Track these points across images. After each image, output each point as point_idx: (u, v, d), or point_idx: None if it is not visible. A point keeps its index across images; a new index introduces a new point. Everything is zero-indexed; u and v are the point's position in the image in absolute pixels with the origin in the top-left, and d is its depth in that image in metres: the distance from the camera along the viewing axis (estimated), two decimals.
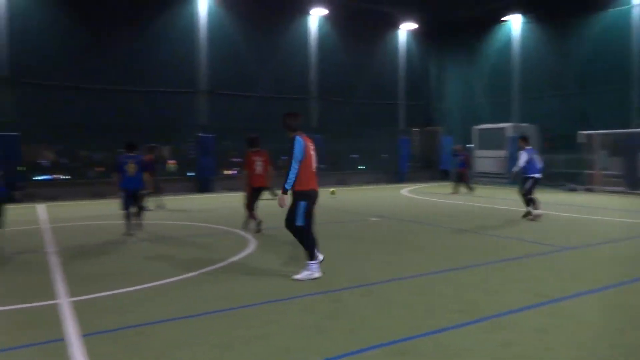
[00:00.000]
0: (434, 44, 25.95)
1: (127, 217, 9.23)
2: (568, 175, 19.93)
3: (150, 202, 13.37)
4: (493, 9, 22.68)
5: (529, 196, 10.86)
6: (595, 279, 6.02)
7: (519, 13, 22.44)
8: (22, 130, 16.17)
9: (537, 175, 10.86)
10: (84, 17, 17.37)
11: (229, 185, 19.95)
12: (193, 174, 19.89)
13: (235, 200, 15.62)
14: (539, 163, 10.96)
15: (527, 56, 22.29)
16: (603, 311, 4.79)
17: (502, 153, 21.90)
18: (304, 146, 5.95)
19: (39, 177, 17.91)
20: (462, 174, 17.70)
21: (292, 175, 5.89)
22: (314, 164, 6.08)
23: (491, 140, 22.46)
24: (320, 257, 6.11)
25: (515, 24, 22.74)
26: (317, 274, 5.95)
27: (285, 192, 5.96)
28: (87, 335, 4.18)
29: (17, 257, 7.56)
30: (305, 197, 6.00)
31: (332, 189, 17.15)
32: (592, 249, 7.82)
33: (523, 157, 10.81)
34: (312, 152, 6.09)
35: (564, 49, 20.67)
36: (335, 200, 16.05)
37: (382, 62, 24.46)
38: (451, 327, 4.35)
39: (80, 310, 4.88)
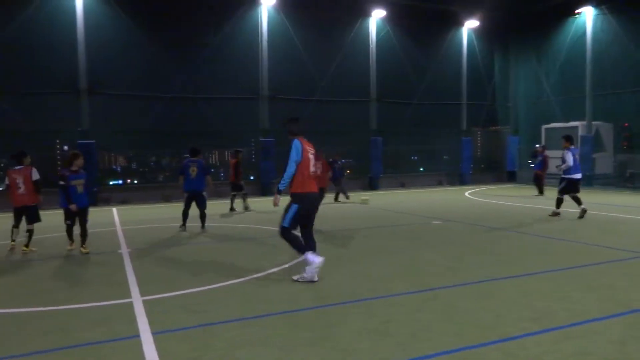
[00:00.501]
0: (499, 42, 25.04)
1: (186, 215, 10.37)
2: None
3: (237, 204, 13.96)
4: (563, 2, 21.58)
5: (560, 197, 11.31)
6: None
7: (591, 5, 21.19)
8: (96, 138, 17.23)
9: (576, 176, 11.12)
10: (154, 28, 18.24)
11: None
12: (252, 177, 20.37)
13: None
14: (579, 163, 11.27)
15: (600, 50, 20.98)
16: None
17: None
18: (301, 149, 6.02)
19: (113, 182, 19.04)
20: (539, 176, 17.08)
21: (286, 177, 5.99)
22: (311, 167, 6.10)
23: (561, 140, 21.33)
24: (317, 260, 5.99)
25: (587, 16, 21.49)
26: (315, 278, 5.97)
27: (278, 192, 6.08)
28: (157, 333, 4.37)
29: (94, 257, 8.05)
30: (298, 201, 6.03)
31: (363, 197, 16.75)
32: None
33: (569, 157, 10.99)
34: (310, 156, 6.14)
35: None
36: (397, 203, 15.86)
37: (443, 61, 23.91)
38: (520, 335, 4.16)
39: (151, 308, 5.11)
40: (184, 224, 10.37)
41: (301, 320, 4.67)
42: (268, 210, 14.15)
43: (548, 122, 22.34)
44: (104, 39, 17.65)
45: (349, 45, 21.77)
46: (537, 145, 18.39)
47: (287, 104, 20.57)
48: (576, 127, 20.83)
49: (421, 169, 24.45)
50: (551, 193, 17.23)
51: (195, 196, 10.36)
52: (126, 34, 17.82)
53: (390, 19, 22.32)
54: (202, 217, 10.43)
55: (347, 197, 16.51)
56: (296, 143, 6.04)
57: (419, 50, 23.20)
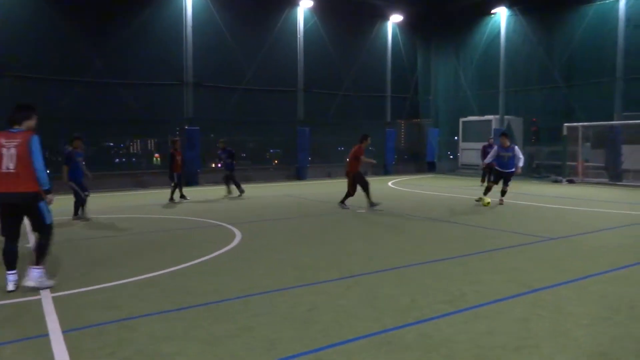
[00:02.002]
0: (422, 36, 25.97)
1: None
2: (552, 167, 20.19)
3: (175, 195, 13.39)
4: (481, 2, 22.75)
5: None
6: (577, 268, 6.11)
7: (505, 6, 22.54)
8: (2, 124, 15.86)
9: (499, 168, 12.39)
10: (71, 8, 17.03)
11: (215, 179, 19.88)
12: None
13: (219, 193, 15.56)
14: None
15: (513, 49, 22.43)
16: (585, 300, 4.87)
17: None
18: None
19: None
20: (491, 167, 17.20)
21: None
22: (3, 164, 5.19)
23: (477, 133, 22.64)
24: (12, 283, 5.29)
25: (502, 17, 22.84)
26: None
27: None
28: (68, 331, 4.14)
29: None
30: None
31: (484, 200, 12.17)
32: (575, 239, 7.93)
33: (519, 152, 12.19)
34: (4, 151, 5.22)
35: (550, 42, 20.84)
36: (322, 192, 16.07)
37: (369, 54, 24.42)
38: (435, 317, 4.39)
39: (62, 306, 4.83)
40: (76, 214, 10.38)
41: (224, 312, 4.63)
42: (200, 200, 13.82)
43: (465, 116, 23.59)
44: (16, 20, 16.25)
45: (276, 35, 21.61)
46: (489, 137, 18.14)
47: (212, 92, 20.10)
48: (490, 121, 22.16)
49: (347, 159, 24.87)
50: (469, 183, 18.21)
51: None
52: (39, 15, 16.51)
53: (317, 10, 22.41)
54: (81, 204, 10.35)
55: (241, 192, 14.68)
56: None
57: (345, 42, 23.52)
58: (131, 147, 21.12)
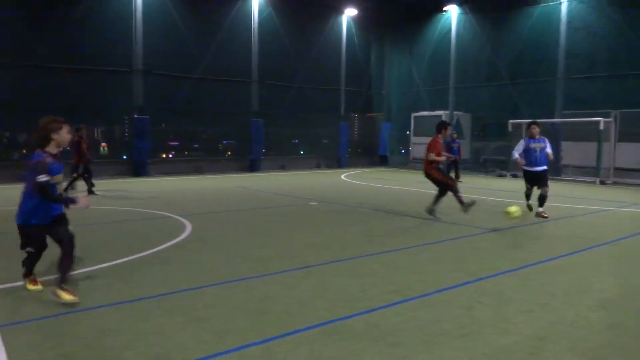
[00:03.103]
0: (376, 31, 26.26)
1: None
2: (498, 161, 21.01)
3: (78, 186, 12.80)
4: None
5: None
6: (517, 258, 6.41)
7: (456, 4, 23.12)
8: None
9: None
10: None
11: (165, 169, 19.41)
12: (125, 157, 19.22)
13: (170, 184, 15.23)
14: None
15: (463, 47, 23.07)
16: (525, 288, 5.13)
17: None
18: None
19: None
20: (456, 162, 16.89)
21: None
22: None
23: (428, 127, 23.19)
24: None
25: (453, 14, 23.43)
26: None
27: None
28: (4, 326, 3.97)
29: None
30: None
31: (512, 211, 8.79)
32: (517, 231, 8.31)
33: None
34: None
35: (497, 41, 21.57)
36: (276, 185, 16.04)
37: (324, 47, 24.45)
38: (384, 306, 4.50)
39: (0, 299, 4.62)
40: None
41: (176, 303, 4.56)
42: (149, 191, 13.45)
43: (417, 111, 24.11)
44: None
45: (230, 24, 21.24)
46: (452, 132, 18.03)
47: (164, 80, 19.56)
48: (440, 116, 22.74)
49: (301, 152, 24.93)
50: (417, 177, 18.65)
51: None
52: None
53: (272, 0, 22.20)
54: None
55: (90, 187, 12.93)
56: None
57: (300, 34, 23.44)
58: (75, 135, 20.24)
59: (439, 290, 5.00)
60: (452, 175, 16.28)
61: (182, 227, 8.24)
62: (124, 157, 19.37)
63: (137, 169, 18.55)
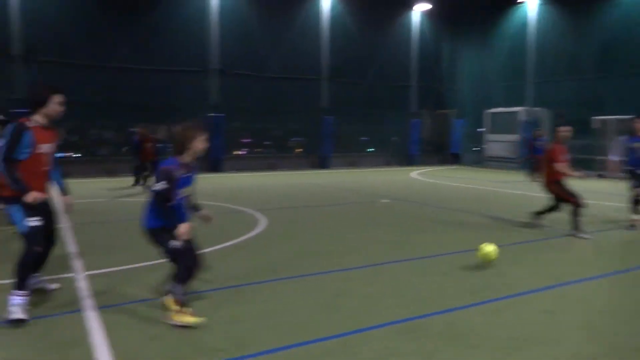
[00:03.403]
0: (448, 26, 25.55)
1: None
2: (581, 161, 19.76)
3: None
4: None
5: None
6: (605, 264, 6.01)
7: None
8: None
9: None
10: None
11: (239, 166, 20.04)
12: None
13: (244, 180, 15.69)
14: None
15: (542, 39, 21.88)
16: (611, 296, 4.80)
17: (513, 137, 21.72)
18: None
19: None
20: (538, 161, 15.83)
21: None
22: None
23: (503, 124, 22.28)
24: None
25: (531, 5, 22.30)
26: (20, 314, 3.96)
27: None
28: (104, 307, 4.28)
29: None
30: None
31: None
32: (604, 235, 7.79)
33: None
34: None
35: (581, 32, 20.25)
36: (346, 181, 16.08)
37: (394, 43, 24.16)
38: (460, 307, 4.39)
39: (96, 283, 4.98)
40: None
41: (251, 295, 4.70)
42: (216, 187, 13.98)
43: (491, 107, 23.19)
44: (44, 4, 16.58)
45: (302, 22, 21.55)
46: (535, 130, 16.67)
47: (238, 80, 20.20)
48: (517, 113, 21.76)
49: (370, 149, 24.82)
50: (492, 175, 17.96)
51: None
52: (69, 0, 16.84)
53: None
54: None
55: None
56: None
57: (371, 30, 23.29)
58: (156, 133, 21.39)
59: (520, 293, 4.78)
60: (531, 175, 15.43)
61: (257, 222, 8.47)
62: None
63: (213, 166, 19.30)
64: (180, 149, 4.13)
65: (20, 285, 4.04)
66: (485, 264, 5.56)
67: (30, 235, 4.11)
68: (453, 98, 25.98)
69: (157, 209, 4.07)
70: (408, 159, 24.27)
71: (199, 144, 4.14)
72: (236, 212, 9.60)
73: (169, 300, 3.97)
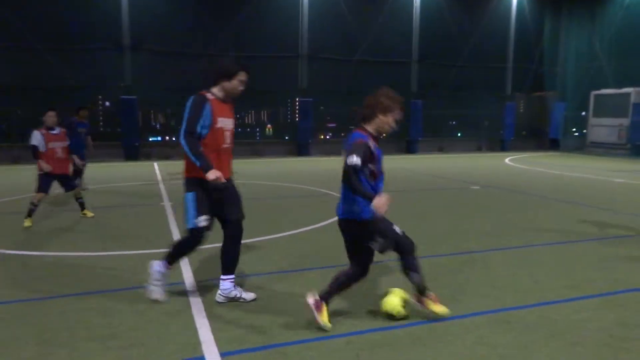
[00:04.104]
0: (551, 2, 23.74)
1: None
2: None
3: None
4: None
5: None
6: None
7: None
8: (139, 94, 17.57)
9: None
10: None
11: (326, 150, 20.26)
12: (287, 137, 20.56)
13: (330, 164, 15.82)
14: None
15: None
16: None
17: (622, 121, 19.88)
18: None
19: (152, 138, 19.51)
20: None
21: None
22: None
23: (611, 107, 20.43)
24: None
25: None
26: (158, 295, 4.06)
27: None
28: (202, 282, 4.57)
29: (139, 209, 8.37)
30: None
31: None
32: None
33: None
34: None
35: None
36: (435, 167, 15.69)
37: (490, 22, 22.92)
38: (559, 301, 4.13)
39: (195, 259, 5.31)
40: None
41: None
42: (313, 170, 14.20)
43: (598, 89, 21.33)
44: None
45: (392, 5, 21.12)
46: None
47: (326, 64, 20.33)
48: (629, 94, 19.83)
49: (459, 134, 23.95)
50: (596, 163, 16.60)
51: None
52: None
53: None
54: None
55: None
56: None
57: (464, 10, 22.29)
58: (246, 117, 22.26)
59: (627, 290, 4.41)
60: None
61: None
62: (286, 137, 20.74)
63: (300, 149, 19.70)
64: (369, 116, 3.59)
65: (169, 258, 4.02)
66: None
67: (195, 233, 3.91)
68: (553, 79, 24.23)
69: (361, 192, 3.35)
70: (501, 144, 23.13)
71: (391, 118, 3.58)
72: (320, 195, 9.73)
73: (428, 302, 3.70)
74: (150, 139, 19.47)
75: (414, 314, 3.82)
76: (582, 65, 22.87)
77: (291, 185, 11.21)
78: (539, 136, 24.39)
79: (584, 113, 22.32)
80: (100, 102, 18.78)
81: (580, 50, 23.02)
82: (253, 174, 12.84)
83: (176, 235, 6.30)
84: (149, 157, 17.83)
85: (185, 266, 5.01)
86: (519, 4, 23.36)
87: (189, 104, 3.83)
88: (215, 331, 3.53)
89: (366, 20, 20.62)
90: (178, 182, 11.41)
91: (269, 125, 21.82)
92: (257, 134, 21.40)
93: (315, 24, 19.99)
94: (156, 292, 4.05)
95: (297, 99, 20.13)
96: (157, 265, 4.04)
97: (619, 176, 12.89)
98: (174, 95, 18.62)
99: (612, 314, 3.87)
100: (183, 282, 4.56)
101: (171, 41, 18.22)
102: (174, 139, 19.65)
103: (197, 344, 3.35)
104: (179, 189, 9.99)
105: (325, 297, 3.65)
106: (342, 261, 5.16)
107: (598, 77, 21.80)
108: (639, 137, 19.34)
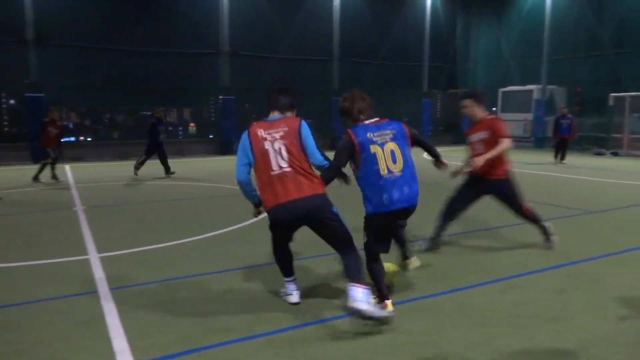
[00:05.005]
0: (462, 3, 25.07)
1: None
2: (596, 138, 19.46)
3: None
4: None
5: None
6: (617, 242, 5.96)
7: None
8: (46, 92, 16.41)
9: None
10: None
11: None
12: (211, 136, 20.16)
13: None
14: None
15: (559, 14, 21.36)
16: (623, 274, 4.77)
17: (527, 116, 21.46)
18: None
19: (64, 139, 18.27)
20: (565, 141, 15.15)
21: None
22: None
23: (517, 103, 21.98)
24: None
25: None
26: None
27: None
28: (115, 289, 4.37)
29: (49, 215, 7.84)
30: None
31: None
32: (616, 213, 7.72)
33: None
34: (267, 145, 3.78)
35: (599, 6, 19.75)
36: None
37: (406, 21, 23.79)
38: (470, 286, 4.40)
39: (108, 265, 5.07)
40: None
41: (262, 275, 4.76)
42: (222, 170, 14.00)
43: (505, 86, 22.85)
44: None
45: (312, 2, 21.28)
46: (563, 107, 16.20)
47: (248, 61, 20.11)
48: (532, 91, 21.42)
49: None
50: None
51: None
52: None
53: None
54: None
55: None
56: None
57: (383, 9, 22.96)
58: (167, 116, 21.53)
59: (529, 272, 4.79)
60: (556, 156, 15.09)
61: None
62: (211, 136, 20.32)
63: (223, 148, 19.37)
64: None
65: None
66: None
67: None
68: (466, 77, 25.63)
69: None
70: None
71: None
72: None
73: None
74: (62, 140, 18.20)
75: (335, 308, 3.90)
76: (491, 63, 24.38)
77: (215, 186, 10.99)
78: (455, 131, 25.70)
79: (494, 109, 23.81)
80: (3, 100, 17.31)
81: (489, 50, 24.53)
82: (176, 174, 12.45)
83: (90, 243, 5.97)
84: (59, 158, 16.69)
85: (98, 272, 4.77)
86: (432, 5, 24.43)
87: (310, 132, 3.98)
88: (131, 340, 3.40)
89: (288, 17, 20.63)
90: (90, 186, 10.82)
91: (192, 124, 21.24)
92: (180, 132, 20.76)
93: (236, 20, 19.70)
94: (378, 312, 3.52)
95: (219, 97, 19.73)
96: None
97: (526, 167, 13.87)
98: (87, 93, 17.63)
99: (513, 295, 4.18)
100: (96, 291, 4.34)
101: (82, 35, 17.17)
102: (89, 139, 18.60)
103: (111, 354, 3.21)
104: (91, 195, 9.49)
105: (384, 295, 3.71)
106: (266, 260, 5.15)
107: (505, 74, 23.35)
108: (540, 130, 21.01)
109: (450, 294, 4.22)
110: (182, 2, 18.60)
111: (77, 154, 17.06)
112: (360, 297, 3.43)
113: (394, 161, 3.65)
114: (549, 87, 21.56)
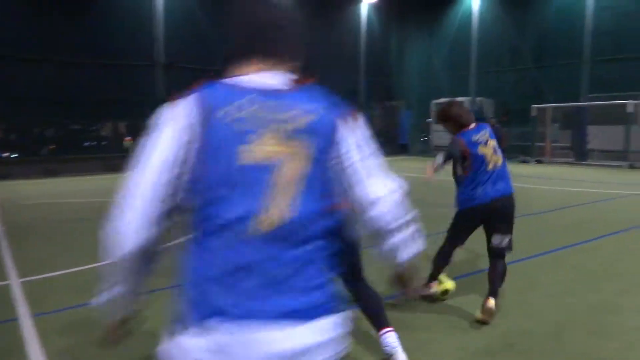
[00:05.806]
0: (396, 17, 25.91)
1: None
2: (521, 147, 20.63)
3: None
4: None
5: None
6: (547, 242, 6.32)
7: None
8: None
9: None
10: None
11: None
12: None
13: None
14: None
15: (485, 30, 22.60)
16: (554, 272, 5.06)
17: None
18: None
19: None
20: None
21: None
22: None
23: None
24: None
25: None
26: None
27: None
28: (39, 315, 4.10)
29: None
30: None
31: None
32: (544, 216, 8.18)
33: None
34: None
35: (521, 23, 21.06)
36: None
37: (342, 36, 24.29)
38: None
39: (31, 290, 4.77)
40: None
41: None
42: None
43: (437, 97, 23.78)
44: None
45: None
46: (491, 117, 17.16)
47: (187, 73, 19.73)
48: (462, 102, 22.42)
49: None
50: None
51: None
52: None
53: None
54: None
55: None
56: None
57: (318, 23, 23.28)
58: (101, 130, 20.71)
59: (464, 275, 4.97)
60: None
61: None
62: None
63: None
64: None
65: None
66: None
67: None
68: (401, 89, 26.46)
69: None
70: None
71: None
72: None
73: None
74: None
75: None
76: (424, 76, 25.33)
77: None
78: (391, 142, 26.39)
79: (429, 120, 24.69)
80: None
81: (421, 63, 25.48)
82: (107, 192, 11.93)
83: (9, 267, 5.58)
84: None
85: (19, 298, 4.47)
86: (368, 19, 25.11)
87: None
88: None
89: (224, 30, 20.45)
90: (14, 205, 10.16)
91: (128, 138, 20.46)
92: (114, 147, 19.96)
93: (172, 33, 19.31)
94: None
95: (156, 110, 19.22)
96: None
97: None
98: (10, 106, 16.58)
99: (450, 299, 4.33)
100: (16, 318, 4.05)
101: (2, 44, 16.18)
102: (14, 155, 17.48)
103: None
104: (15, 215, 8.89)
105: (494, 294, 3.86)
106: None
107: (437, 87, 24.32)
108: None
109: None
110: (115, 12, 18.01)
111: (1, 171, 15.97)
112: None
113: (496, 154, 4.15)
114: (478, 98, 22.67)
